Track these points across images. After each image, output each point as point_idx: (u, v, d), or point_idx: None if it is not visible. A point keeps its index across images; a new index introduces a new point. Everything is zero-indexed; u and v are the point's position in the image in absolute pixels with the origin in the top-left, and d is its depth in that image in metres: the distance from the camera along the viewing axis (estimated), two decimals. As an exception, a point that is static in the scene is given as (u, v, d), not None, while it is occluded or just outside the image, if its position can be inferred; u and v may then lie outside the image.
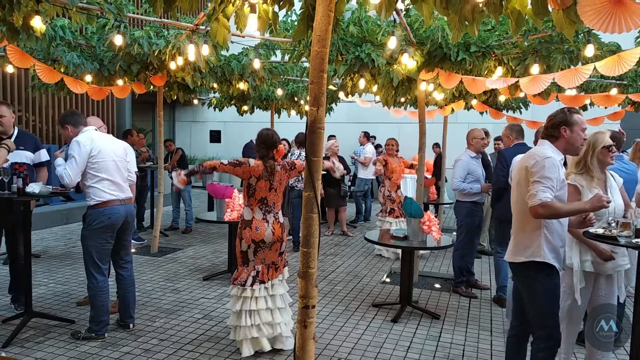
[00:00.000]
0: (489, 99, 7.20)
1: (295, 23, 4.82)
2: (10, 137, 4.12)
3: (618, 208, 3.05)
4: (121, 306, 4.04)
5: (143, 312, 4.42)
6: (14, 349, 3.62)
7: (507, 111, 8.28)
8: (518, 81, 4.39)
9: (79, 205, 8.32)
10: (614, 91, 6.25)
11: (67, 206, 8.61)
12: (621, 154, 3.98)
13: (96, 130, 3.89)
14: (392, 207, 6.92)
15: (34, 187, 3.77)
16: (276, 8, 2.72)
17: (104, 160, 3.72)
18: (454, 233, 4.91)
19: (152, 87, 6.39)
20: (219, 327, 4.14)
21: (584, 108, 6.91)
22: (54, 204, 8.59)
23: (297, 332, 2.30)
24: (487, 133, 6.81)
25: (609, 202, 2.65)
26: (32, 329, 3.94)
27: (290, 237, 7.42)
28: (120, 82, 6.02)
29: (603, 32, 2.24)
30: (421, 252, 6.29)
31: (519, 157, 3.83)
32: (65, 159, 3.69)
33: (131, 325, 4.03)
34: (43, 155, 4.37)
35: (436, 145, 10.92)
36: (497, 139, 7.28)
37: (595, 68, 3.85)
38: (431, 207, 7.97)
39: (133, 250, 6.51)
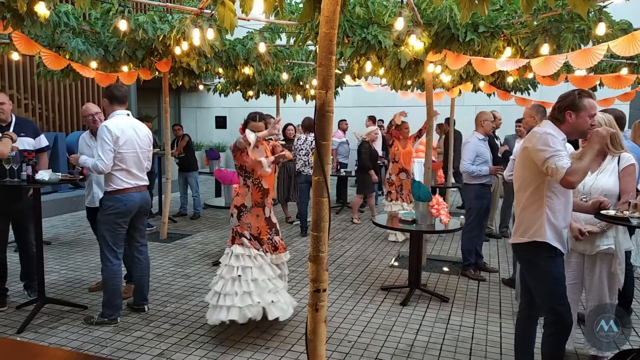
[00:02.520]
0: (497, 80, 7.10)
1: (301, 5, 4.76)
2: (9, 125, 4.13)
3: (597, 187, 3.08)
4: (137, 289, 4.11)
5: (154, 297, 4.46)
6: (29, 335, 3.68)
7: (515, 92, 8.18)
8: (529, 62, 4.33)
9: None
10: (624, 71, 6.15)
11: (75, 193, 8.66)
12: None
13: (128, 115, 3.90)
14: (389, 190, 6.92)
15: (43, 175, 3.78)
16: (282, -10, 2.67)
17: (127, 151, 3.76)
18: (462, 216, 4.89)
19: (157, 73, 6.36)
20: (229, 311, 4.18)
21: (594, 89, 6.81)
22: (62, 191, 8.65)
23: (308, 315, 2.31)
24: (494, 115, 6.71)
25: (610, 132, 2.66)
26: (45, 315, 4.00)
27: (298, 222, 7.44)
28: (125, 68, 5.99)
29: None
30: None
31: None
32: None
33: (146, 308, 4.10)
34: (43, 140, 4.37)
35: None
36: (518, 121, 6.97)
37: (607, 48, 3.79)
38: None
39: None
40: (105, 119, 3.94)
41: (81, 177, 4.16)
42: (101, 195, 4.14)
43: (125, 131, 3.77)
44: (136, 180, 3.87)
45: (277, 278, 3.85)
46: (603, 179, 3.12)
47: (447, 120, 8.23)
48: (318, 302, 2.27)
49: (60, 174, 3.99)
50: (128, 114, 3.91)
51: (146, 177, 4.00)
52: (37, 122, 9.27)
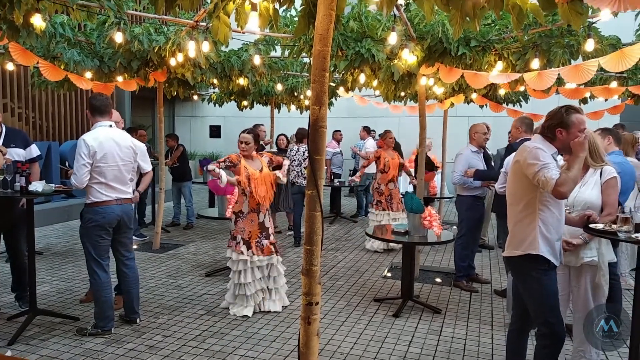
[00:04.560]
0: (489, 92, 7.20)
1: (295, 18, 4.82)
2: None
3: (580, 200, 3.14)
4: (126, 302, 4.08)
5: (147, 308, 4.44)
6: (20, 347, 3.65)
7: (507, 104, 8.28)
8: (522, 76, 4.40)
9: (80, 202, 8.31)
10: (613, 84, 6.25)
11: (68, 203, 8.62)
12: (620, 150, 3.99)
13: (111, 126, 3.84)
14: (378, 199, 6.98)
15: (37, 186, 3.78)
16: (277, 5, 2.72)
17: (106, 164, 3.70)
18: (454, 227, 4.93)
19: (154, 82, 6.39)
20: (223, 322, 4.17)
21: (584, 101, 6.91)
22: (55, 201, 8.60)
23: (300, 328, 2.32)
24: (488, 127, 6.77)
25: (587, 137, 2.67)
26: (36, 327, 3.97)
27: (291, 232, 7.45)
28: (120, 78, 6.01)
29: (611, 10, 2.29)
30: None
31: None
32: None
33: (138, 320, 4.08)
34: (34, 150, 4.35)
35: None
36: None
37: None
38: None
39: (135, 246, 6.55)
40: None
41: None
42: None
43: (104, 144, 3.69)
44: (117, 193, 3.79)
45: (265, 278, 4.42)
46: (586, 192, 3.17)
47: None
48: (310, 315, 2.28)
49: (53, 185, 3.99)
50: (110, 125, 3.84)
51: (130, 190, 3.91)
52: (31, 131, 9.25)
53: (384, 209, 6.95)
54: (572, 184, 2.57)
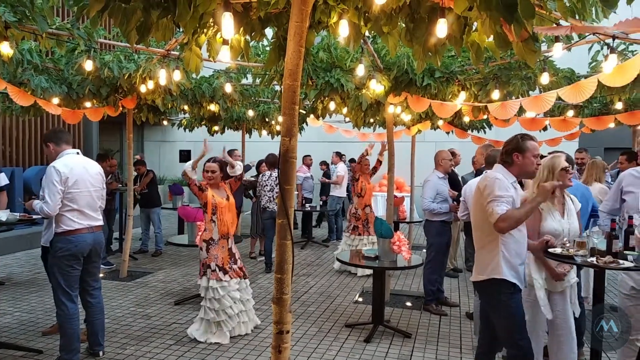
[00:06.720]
0: (454, 119, 7.45)
1: (267, 48, 4.92)
2: None
3: (573, 230, 3.19)
4: (90, 334, 3.97)
5: (113, 339, 4.33)
6: (-22, 383, 3.51)
7: (472, 131, 8.57)
8: (486, 106, 4.63)
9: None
10: (570, 113, 6.59)
11: (31, 230, 8.35)
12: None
13: (78, 153, 3.81)
14: (355, 224, 7.06)
15: (1, 215, 3.70)
16: (248, 37, 2.80)
17: (78, 191, 3.66)
18: (424, 250, 5.03)
19: (122, 108, 6.35)
20: (192, 352, 4.11)
21: (544, 128, 7.23)
22: (17, 228, 8.32)
23: (271, 357, 2.33)
24: (454, 153, 6.98)
25: (554, 186, 2.86)
26: (-4, 361, 3.83)
27: (262, 257, 7.41)
28: (88, 104, 5.96)
29: (563, 34, 2.55)
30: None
31: (474, 180, 4.05)
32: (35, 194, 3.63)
33: (101, 353, 3.97)
34: (2, 179, 4.27)
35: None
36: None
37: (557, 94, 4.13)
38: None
39: (101, 274, 6.39)
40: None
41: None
42: None
43: (75, 170, 3.67)
44: (89, 220, 3.74)
45: (239, 302, 4.45)
46: (574, 222, 3.20)
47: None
48: (281, 343, 2.30)
49: (18, 214, 3.90)
50: (78, 153, 3.83)
51: (100, 217, 3.89)
52: (-7, 156, 9.01)
53: (360, 234, 7.01)
54: (514, 223, 2.72)
